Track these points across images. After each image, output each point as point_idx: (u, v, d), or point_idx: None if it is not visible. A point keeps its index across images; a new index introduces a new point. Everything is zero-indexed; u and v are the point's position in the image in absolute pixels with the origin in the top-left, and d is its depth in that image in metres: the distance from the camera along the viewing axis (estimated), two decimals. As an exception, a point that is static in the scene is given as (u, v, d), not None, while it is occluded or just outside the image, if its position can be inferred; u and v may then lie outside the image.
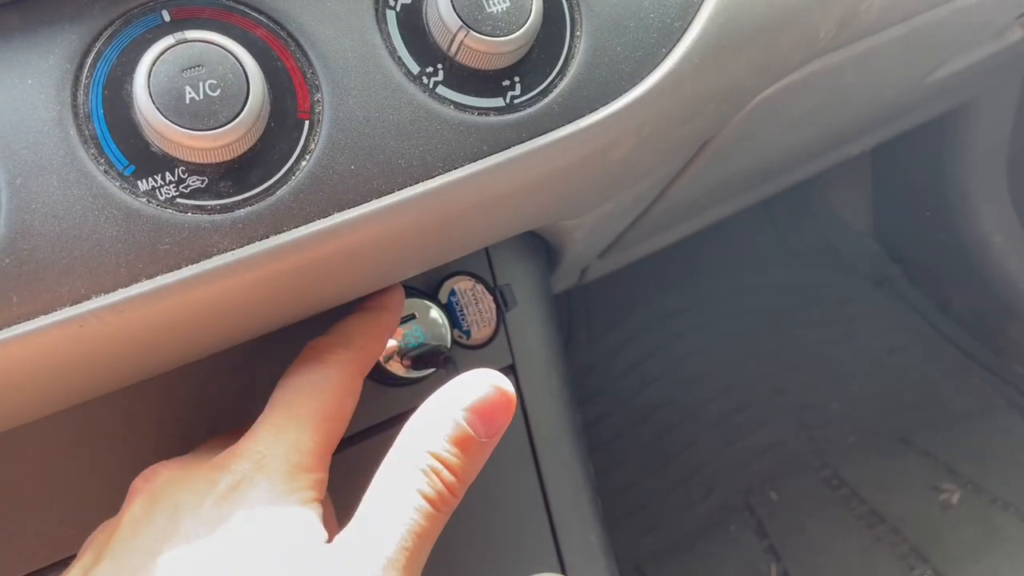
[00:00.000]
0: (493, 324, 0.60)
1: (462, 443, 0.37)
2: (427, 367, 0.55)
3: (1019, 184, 1.45)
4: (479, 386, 0.38)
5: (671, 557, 1.28)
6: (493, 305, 0.60)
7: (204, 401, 0.52)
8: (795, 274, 1.64)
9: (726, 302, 1.60)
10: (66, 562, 0.50)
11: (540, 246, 0.66)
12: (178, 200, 0.35)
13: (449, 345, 0.56)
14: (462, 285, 0.59)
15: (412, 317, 0.55)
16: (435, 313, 0.56)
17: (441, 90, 0.39)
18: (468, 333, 0.59)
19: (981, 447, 1.35)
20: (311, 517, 0.37)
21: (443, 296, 0.59)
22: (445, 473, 0.36)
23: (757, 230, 1.66)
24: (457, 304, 0.59)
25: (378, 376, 0.56)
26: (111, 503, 0.51)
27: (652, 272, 1.57)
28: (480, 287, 0.59)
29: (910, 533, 1.24)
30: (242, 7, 0.37)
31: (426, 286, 0.58)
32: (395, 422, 0.58)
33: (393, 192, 0.38)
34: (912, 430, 1.38)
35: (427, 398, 0.39)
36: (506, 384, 0.38)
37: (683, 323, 1.57)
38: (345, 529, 0.37)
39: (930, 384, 1.46)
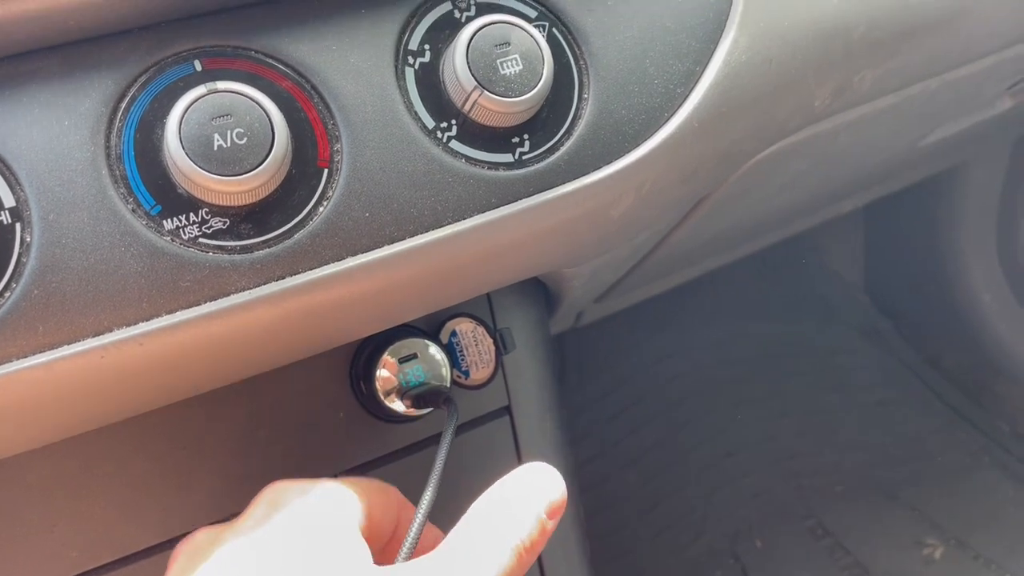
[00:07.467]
0: (492, 366, 0.61)
1: (542, 535, 0.42)
2: (427, 406, 0.57)
3: (1008, 245, 1.47)
4: (556, 490, 0.43)
5: (655, 603, 1.29)
6: (492, 347, 0.61)
7: (208, 431, 0.54)
8: (787, 324, 1.66)
9: (718, 349, 1.61)
10: (66, 584, 0.52)
11: (540, 291, 0.68)
12: (200, 240, 0.37)
13: (448, 385, 0.58)
14: (463, 327, 0.61)
15: (414, 356, 0.57)
16: (436, 353, 0.57)
17: (454, 144, 0.41)
18: (467, 373, 0.61)
19: (966, 504, 1.36)
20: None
21: (444, 336, 0.60)
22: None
23: (750, 279, 1.67)
24: (457, 345, 0.60)
25: (379, 413, 0.57)
26: (112, 526, 0.52)
27: (645, 317, 1.58)
28: (481, 329, 0.61)
29: (893, 586, 1.25)
30: (270, 60, 0.39)
31: (428, 326, 0.60)
32: (393, 457, 0.59)
33: (405, 239, 0.40)
34: (898, 483, 1.39)
35: (507, 491, 0.42)
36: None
37: (674, 368, 1.58)
38: None
39: (917, 438, 1.47)
